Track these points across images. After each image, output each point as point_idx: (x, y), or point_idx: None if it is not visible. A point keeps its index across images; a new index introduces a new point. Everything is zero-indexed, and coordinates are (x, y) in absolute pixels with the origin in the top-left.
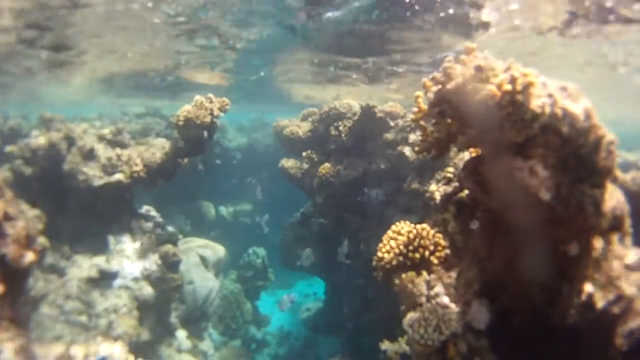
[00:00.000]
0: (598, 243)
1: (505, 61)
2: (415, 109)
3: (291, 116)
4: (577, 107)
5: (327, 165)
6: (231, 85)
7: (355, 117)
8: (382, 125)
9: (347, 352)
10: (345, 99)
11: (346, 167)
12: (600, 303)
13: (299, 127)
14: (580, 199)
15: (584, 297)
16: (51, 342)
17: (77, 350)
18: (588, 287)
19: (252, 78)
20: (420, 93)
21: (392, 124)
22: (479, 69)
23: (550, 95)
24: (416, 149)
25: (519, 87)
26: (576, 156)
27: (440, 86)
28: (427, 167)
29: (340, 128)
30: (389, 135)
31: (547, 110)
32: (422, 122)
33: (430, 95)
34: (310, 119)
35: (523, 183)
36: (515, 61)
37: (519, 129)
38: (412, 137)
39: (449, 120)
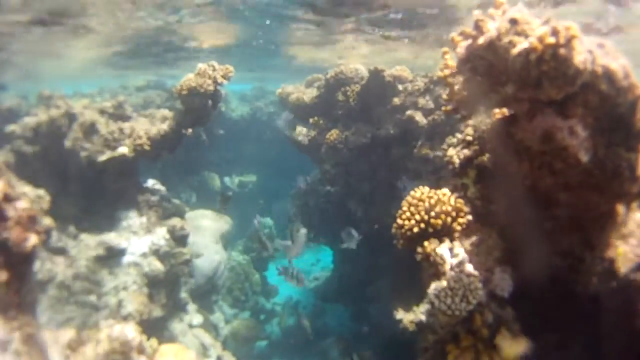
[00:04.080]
0: (621, 208)
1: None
2: (442, 66)
3: (294, 82)
4: (617, 65)
5: (335, 131)
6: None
7: (363, 82)
8: (390, 90)
9: (355, 319)
10: (351, 63)
11: (354, 133)
12: (622, 270)
13: (304, 93)
14: (617, 163)
15: (606, 263)
16: (61, 325)
17: (89, 334)
18: (610, 254)
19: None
20: (447, 49)
21: (400, 88)
22: (514, 21)
23: (590, 52)
24: (442, 108)
25: (562, 40)
26: (613, 117)
27: (471, 41)
28: (437, 132)
29: (348, 93)
30: (398, 100)
31: (589, 67)
32: (449, 80)
33: (460, 51)
34: (315, 85)
35: (563, 144)
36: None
37: (560, 86)
38: (422, 102)
39: (480, 78)
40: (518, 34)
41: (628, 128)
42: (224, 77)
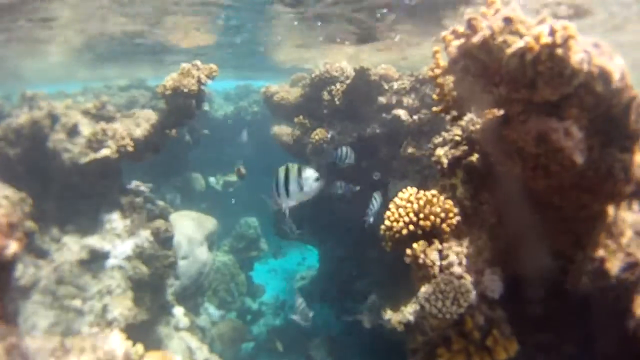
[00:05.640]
0: (612, 209)
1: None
2: (432, 66)
3: (279, 82)
4: (613, 66)
5: (320, 130)
6: (217, 45)
7: (349, 81)
8: (376, 89)
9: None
10: (337, 62)
11: (340, 132)
12: (613, 270)
13: (289, 92)
14: (611, 164)
15: (597, 263)
16: (45, 331)
17: (73, 343)
18: (600, 254)
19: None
20: (438, 48)
21: (386, 87)
22: (508, 20)
23: (586, 52)
24: (433, 109)
25: (559, 40)
26: (607, 118)
27: (463, 40)
28: (423, 131)
29: (333, 92)
30: (384, 99)
31: (585, 67)
32: (439, 80)
33: (452, 50)
34: (300, 84)
35: (558, 145)
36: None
37: (556, 86)
38: (407, 101)
39: (472, 78)
40: (513, 33)
41: (622, 129)
42: (207, 76)
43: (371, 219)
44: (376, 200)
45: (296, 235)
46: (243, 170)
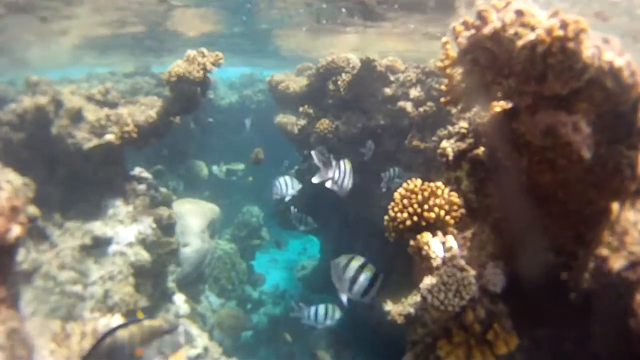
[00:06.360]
0: (616, 206)
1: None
2: (442, 56)
3: (284, 71)
4: (622, 62)
5: (325, 120)
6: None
7: (355, 71)
8: (382, 80)
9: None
10: (343, 52)
11: (344, 123)
12: (615, 268)
13: (295, 81)
14: (618, 160)
15: (599, 261)
16: (47, 316)
17: (74, 327)
18: (603, 251)
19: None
20: (448, 39)
21: (392, 78)
22: (519, 13)
23: (596, 47)
24: (441, 100)
25: (570, 34)
26: (616, 114)
27: (474, 31)
28: (428, 123)
29: (339, 82)
30: (389, 90)
31: (596, 62)
32: (448, 71)
33: (462, 41)
34: (306, 74)
35: (566, 139)
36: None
37: (566, 80)
38: (413, 93)
39: (481, 70)
40: (524, 25)
41: (630, 126)
42: (213, 63)
43: (384, 189)
44: (394, 171)
45: (311, 228)
46: (261, 156)
